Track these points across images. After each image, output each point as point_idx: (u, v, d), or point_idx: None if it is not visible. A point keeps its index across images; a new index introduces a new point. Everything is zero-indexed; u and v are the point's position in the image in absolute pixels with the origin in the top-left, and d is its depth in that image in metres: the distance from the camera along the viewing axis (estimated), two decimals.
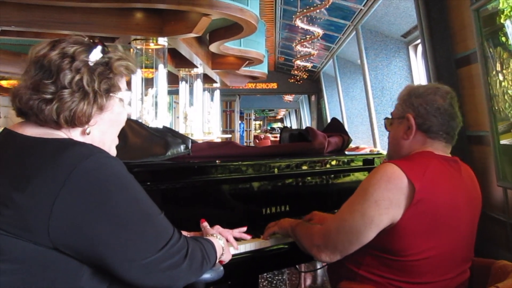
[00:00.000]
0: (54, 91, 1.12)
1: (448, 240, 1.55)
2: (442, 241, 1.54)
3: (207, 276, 1.28)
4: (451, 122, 1.64)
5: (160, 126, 2.12)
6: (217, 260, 1.35)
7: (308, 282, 4.25)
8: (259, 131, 35.04)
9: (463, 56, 3.13)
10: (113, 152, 1.29)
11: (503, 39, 2.63)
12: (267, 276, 4.23)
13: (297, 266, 2.25)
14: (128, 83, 1.28)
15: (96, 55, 1.18)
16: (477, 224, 1.70)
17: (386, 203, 1.50)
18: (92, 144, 1.12)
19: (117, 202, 1.07)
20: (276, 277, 4.27)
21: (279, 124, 41.23)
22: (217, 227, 1.52)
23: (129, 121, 1.42)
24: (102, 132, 1.23)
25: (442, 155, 1.64)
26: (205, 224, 1.53)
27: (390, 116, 1.80)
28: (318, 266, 3.69)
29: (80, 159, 1.04)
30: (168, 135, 1.85)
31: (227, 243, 1.49)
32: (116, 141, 1.31)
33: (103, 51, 1.20)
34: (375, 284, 1.56)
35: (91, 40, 1.21)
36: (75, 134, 1.18)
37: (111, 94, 1.21)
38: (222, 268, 1.37)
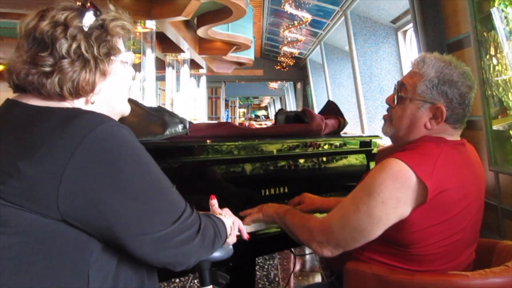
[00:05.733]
0: (53, 63, 1.07)
1: (459, 228, 1.50)
2: (453, 231, 1.49)
3: (217, 254, 1.25)
4: (470, 109, 1.56)
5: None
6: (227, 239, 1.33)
7: (299, 266, 4.27)
8: (243, 118, 35.04)
9: (455, 40, 3.13)
10: (126, 114, 1.26)
11: (498, 23, 2.63)
12: (259, 260, 4.24)
13: (292, 249, 2.23)
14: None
15: (89, 19, 1.12)
16: (483, 204, 1.65)
17: (394, 202, 1.42)
18: (101, 113, 1.08)
19: (129, 172, 1.03)
20: (268, 262, 4.28)
21: (263, 112, 41.28)
22: (226, 210, 1.47)
23: None
24: (109, 99, 1.19)
25: (452, 141, 1.57)
26: (214, 201, 1.48)
27: (400, 90, 1.62)
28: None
29: (91, 127, 1.00)
30: (165, 115, 1.81)
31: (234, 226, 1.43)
32: (127, 106, 1.27)
33: (95, 14, 1.14)
34: (382, 265, 1.54)
35: (82, 4, 1.15)
36: (79, 104, 1.13)
37: (112, 58, 1.16)
38: (231, 247, 1.34)
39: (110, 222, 1.01)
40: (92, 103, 1.15)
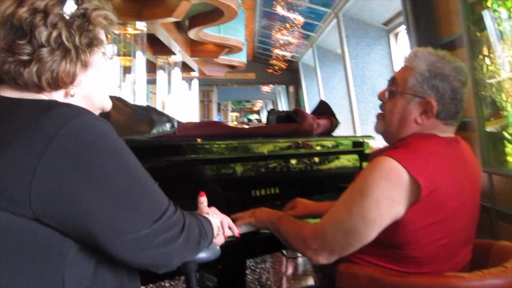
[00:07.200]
0: (31, 52, 1.01)
1: (455, 228, 1.45)
2: (449, 230, 1.44)
3: (203, 255, 1.19)
4: (463, 105, 1.50)
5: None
6: (213, 240, 1.27)
7: (291, 269, 4.23)
8: (236, 122, 35.10)
9: (448, 41, 3.12)
10: (107, 109, 1.21)
11: (489, 23, 2.62)
12: (250, 264, 4.19)
13: (284, 251, 2.18)
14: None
15: (70, 6, 1.06)
16: (479, 203, 1.60)
17: (387, 202, 1.37)
18: (80, 106, 1.02)
19: (107, 168, 0.97)
20: (259, 265, 4.24)
21: (256, 116, 41.38)
22: (214, 209, 1.41)
23: (111, 98, 1.33)
24: (89, 92, 1.13)
25: (445, 137, 1.51)
26: (203, 199, 1.42)
27: (392, 84, 1.58)
28: None
29: (67, 120, 0.93)
30: (153, 113, 1.77)
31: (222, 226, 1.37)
32: (108, 101, 1.21)
33: (77, 2, 1.08)
34: (376, 267, 1.49)
35: None
36: (58, 97, 1.07)
37: (94, 49, 1.11)
38: (218, 247, 1.28)
39: (86, 221, 0.95)
40: (72, 96, 1.09)
